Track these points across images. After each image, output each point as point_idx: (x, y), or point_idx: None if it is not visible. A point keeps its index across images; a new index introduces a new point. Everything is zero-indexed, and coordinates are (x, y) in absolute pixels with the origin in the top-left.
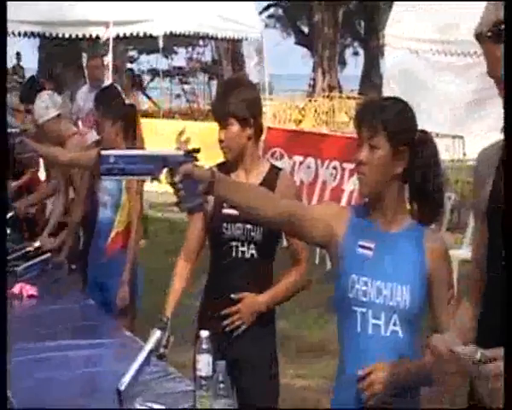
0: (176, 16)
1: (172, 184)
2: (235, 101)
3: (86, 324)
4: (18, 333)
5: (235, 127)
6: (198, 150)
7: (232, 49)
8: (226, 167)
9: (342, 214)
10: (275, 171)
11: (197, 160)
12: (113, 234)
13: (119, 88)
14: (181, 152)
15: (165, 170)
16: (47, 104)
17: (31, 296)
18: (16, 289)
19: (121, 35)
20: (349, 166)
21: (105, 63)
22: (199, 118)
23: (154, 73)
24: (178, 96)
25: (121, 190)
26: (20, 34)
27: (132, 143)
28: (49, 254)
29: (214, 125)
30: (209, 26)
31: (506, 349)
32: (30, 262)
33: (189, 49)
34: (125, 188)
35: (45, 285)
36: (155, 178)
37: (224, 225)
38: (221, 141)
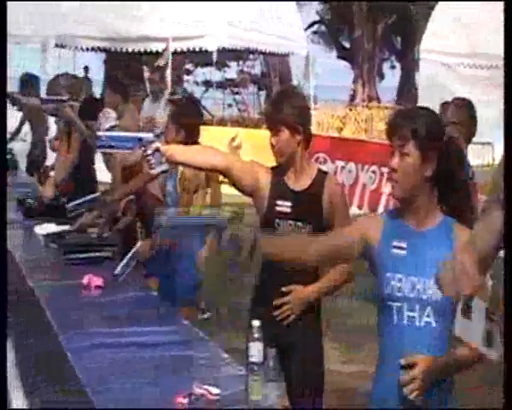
0: (228, 33)
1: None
2: (287, 110)
3: (149, 312)
4: (87, 320)
5: (285, 134)
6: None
7: (280, 62)
8: (277, 171)
9: (376, 224)
10: (322, 174)
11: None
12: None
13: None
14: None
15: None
16: (106, 119)
17: (98, 287)
18: (85, 280)
19: (179, 50)
20: (387, 170)
21: (165, 76)
22: (249, 125)
23: (208, 84)
24: (230, 105)
25: (177, 191)
26: (88, 49)
27: None
28: (98, 194)
29: (262, 132)
30: (258, 41)
31: (506, 348)
32: (80, 200)
33: (240, 62)
34: (180, 188)
35: (112, 277)
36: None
37: (277, 221)
38: (273, 146)
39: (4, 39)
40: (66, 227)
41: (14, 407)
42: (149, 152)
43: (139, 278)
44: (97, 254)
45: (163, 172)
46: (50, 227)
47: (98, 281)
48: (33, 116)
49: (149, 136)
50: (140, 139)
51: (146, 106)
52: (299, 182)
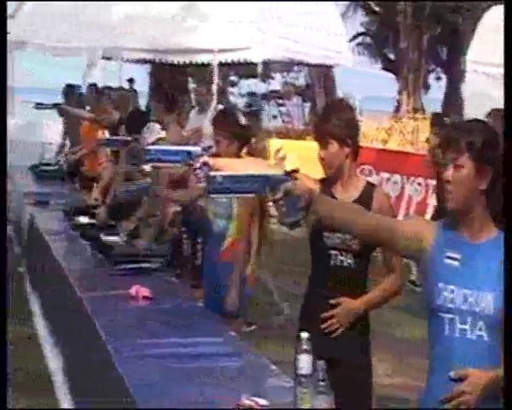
0: (273, 45)
1: (274, 201)
2: (336, 122)
3: (196, 323)
4: (135, 330)
5: (334, 147)
6: (297, 170)
7: (324, 74)
8: (326, 182)
9: (430, 228)
10: (370, 187)
11: (296, 179)
12: (227, 242)
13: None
14: (282, 172)
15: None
16: (151, 132)
17: (145, 298)
18: (133, 290)
19: (223, 61)
20: (433, 182)
21: (211, 88)
22: (293, 137)
23: (253, 96)
24: (275, 117)
25: (231, 202)
26: (133, 61)
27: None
28: (149, 180)
29: (307, 144)
30: (303, 53)
31: (506, 349)
32: (130, 187)
33: (285, 74)
34: (236, 201)
35: (160, 288)
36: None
37: (325, 233)
38: (321, 159)
39: (4, 45)
40: (115, 238)
41: None
42: (197, 166)
43: (185, 289)
44: (145, 265)
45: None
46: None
47: (146, 292)
48: (73, 126)
49: (197, 149)
50: (188, 153)
51: (192, 118)
52: (348, 194)
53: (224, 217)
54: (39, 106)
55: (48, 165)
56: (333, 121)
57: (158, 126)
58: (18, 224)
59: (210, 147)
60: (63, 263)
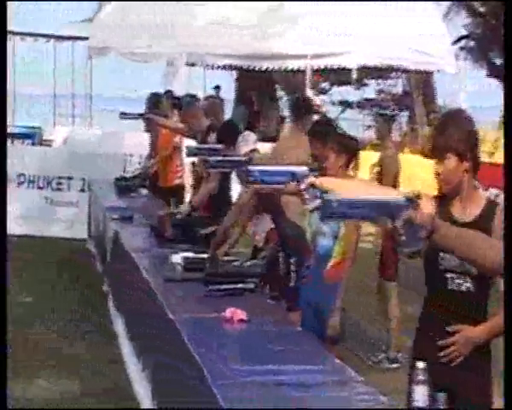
0: (370, 49)
1: (394, 229)
2: (454, 135)
3: (295, 349)
4: (231, 355)
5: (452, 161)
6: (419, 196)
7: (424, 81)
8: (443, 200)
9: None
10: (492, 205)
11: (418, 205)
12: (331, 262)
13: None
14: (403, 198)
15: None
16: (246, 142)
17: (241, 321)
18: (227, 313)
19: (315, 68)
20: None
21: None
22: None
23: (345, 104)
24: (369, 127)
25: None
26: (219, 67)
27: (355, 176)
28: (244, 159)
29: (405, 157)
30: (401, 58)
31: (506, 350)
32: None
33: (380, 81)
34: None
35: (255, 311)
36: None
37: (441, 254)
38: (438, 174)
39: (4, 45)
40: (204, 255)
41: None
42: (303, 187)
43: (282, 312)
44: (239, 285)
45: (317, 208)
46: (187, 255)
47: (242, 315)
48: (156, 137)
49: (304, 170)
50: (293, 174)
51: (285, 130)
52: (467, 213)
53: (329, 236)
54: (124, 116)
55: (131, 178)
56: (450, 134)
57: (253, 136)
58: (101, 240)
59: (316, 169)
60: (151, 282)
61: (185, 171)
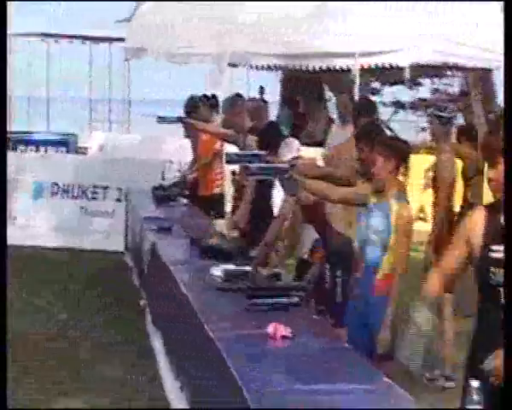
0: (424, 46)
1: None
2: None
3: (342, 367)
4: (275, 374)
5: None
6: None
7: (482, 79)
8: (493, 208)
9: None
10: None
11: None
12: (380, 274)
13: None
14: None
15: None
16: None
17: (284, 337)
18: (270, 329)
19: (366, 66)
20: None
21: (353, 96)
22: None
23: (398, 105)
24: (423, 129)
25: (390, 231)
26: (263, 67)
27: (405, 181)
28: (279, 166)
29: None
30: (458, 55)
31: (506, 350)
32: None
33: (435, 79)
34: (393, 229)
35: (299, 327)
36: None
37: (492, 270)
38: (490, 180)
39: (4, 44)
40: (246, 268)
41: None
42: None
43: (328, 328)
44: (284, 299)
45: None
46: (228, 268)
47: (285, 331)
48: (196, 142)
49: None
50: None
51: (333, 132)
52: None
53: (377, 246)
54: (162, 119)
55: (170, 187)
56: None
57: (297, 143)
58: (138, 252)
59: (366, 173)
60: (190, 297)
61: (225, 179)
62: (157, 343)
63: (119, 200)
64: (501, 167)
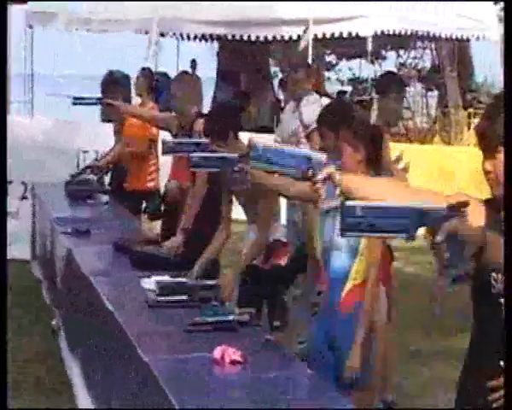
0: (387, 13)
1: (434, 245)
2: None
3: (304, 396)
4: (224, 407)
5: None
6: (466, 204)
7: (458, 51)
8: (493, 204)
9: None
10: None
11: (465, 215)
12: (348, 286)
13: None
14: (443, 205)
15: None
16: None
17: (234, 362)
18: (217, 353)
19: (320, 36)
20: None
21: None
22: (416, 139)
23: (357, 82)
24: None
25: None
26: (196, 37)
27: (376, 174)
28: (228, 156)
29: (436, 149)
30: (429, 23)
31: (506, 350)
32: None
33: (402, 52)
34: None
35: (250, 349)
36: (411, 237)
37: (493, 275)
38: (487, 172)
39: (4, 44)
40: (183, 279)
41: None
42: (320, 178)
43: (288, 348)
44: (230, 317)
45: (336, 208)
46: (162, 279)
47: (235, 354)
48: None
49: (321, 156)
50: (309, 159)
51: (286, 115)
52: None
53: (345, 251)
54: (78, 101)
55: (86, 181)
56: (502, 121)
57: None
58: (48, 261)
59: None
60: (117, 315)
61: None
62: (75, 373)
63: (24, 197)
64: (500, 157)
